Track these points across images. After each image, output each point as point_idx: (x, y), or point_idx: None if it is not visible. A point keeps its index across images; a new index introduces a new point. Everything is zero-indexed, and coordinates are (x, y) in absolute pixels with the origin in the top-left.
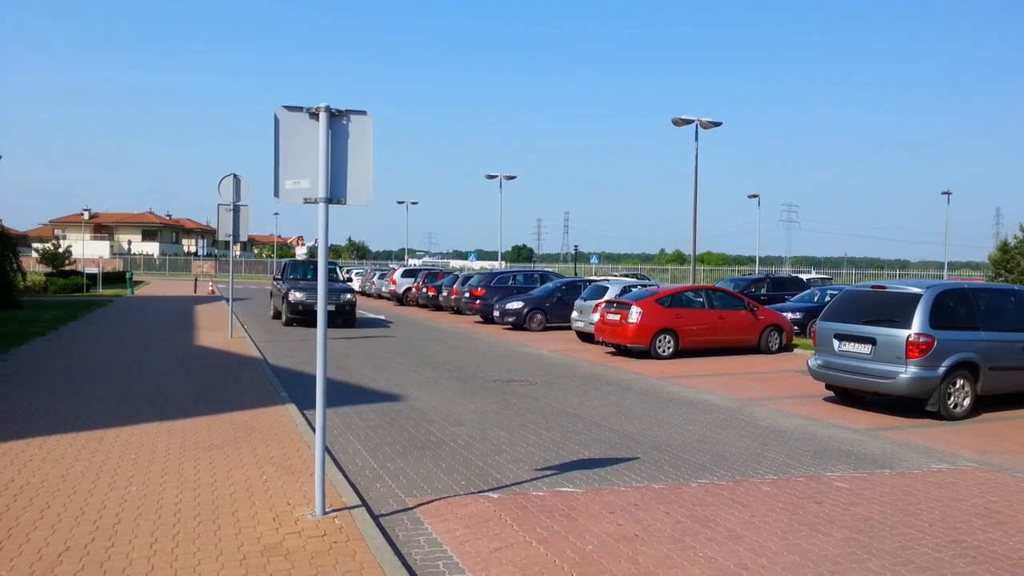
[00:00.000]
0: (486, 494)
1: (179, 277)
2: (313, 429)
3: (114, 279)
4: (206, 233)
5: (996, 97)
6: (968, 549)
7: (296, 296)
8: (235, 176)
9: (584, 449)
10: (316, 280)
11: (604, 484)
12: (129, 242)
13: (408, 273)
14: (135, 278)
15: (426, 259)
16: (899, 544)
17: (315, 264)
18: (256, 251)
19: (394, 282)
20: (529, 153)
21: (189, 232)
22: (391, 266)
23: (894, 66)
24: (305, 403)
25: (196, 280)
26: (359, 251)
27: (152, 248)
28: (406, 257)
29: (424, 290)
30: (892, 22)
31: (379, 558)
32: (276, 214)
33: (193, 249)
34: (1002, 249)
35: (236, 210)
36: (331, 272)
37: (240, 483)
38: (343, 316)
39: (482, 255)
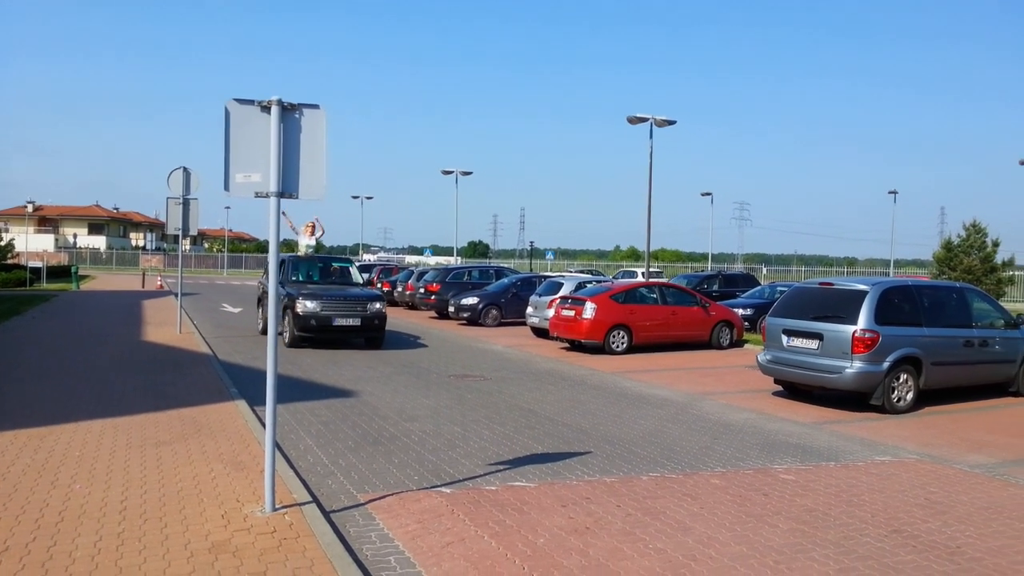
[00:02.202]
0: (439, 489)
1: (127, 271)
2: (264, 425)
3: (59, 273)
4: (155, 227)
5: (940, 97)
6: (909, 539)
7: (308, 307)
8: (185, 169)
9: (537, 444)
10: (336, 284)
11: (557, 478)
12: (75, 235)
13: (363, 269)
14: (81, 272)
15: (381, 254)
16: (843, 534)
17: (330, 262)
18: (207, 245)
19: None
20: (485, 149)
21: (137, 226)
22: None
23: (844, 66)
24: (255, 399)
25: (144, 275)
26: (313, 246)
27: (99, 242)
28: (360, 252)
29: (379, 285)
30: (843, 20)
31: (329, 554)
32: (227, 208)
33: (141, 243)
34: (946, 247)
35: (186, 204)
36: (344, 271)
37: (188, 480)
38: (370, 333)
39: (437, 250)
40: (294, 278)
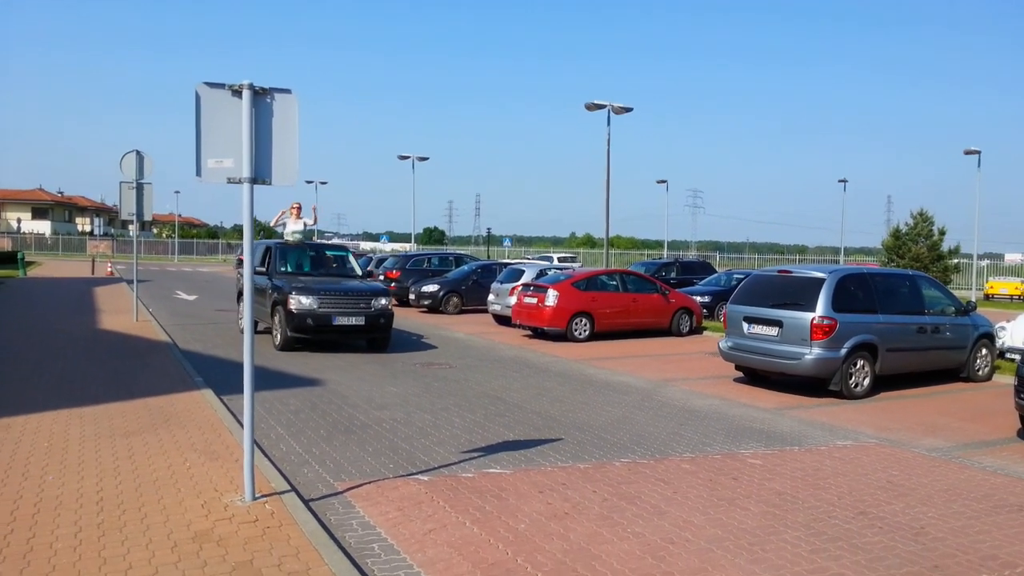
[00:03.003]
0: (416, 477)
1: (74, 258)
2: (232, 414)
3: (3, 260)
4: (102, 211)
5: (888, 85)
6: (875, 520)
7: (303, 304)
8: (138, 152)
9: (508, 431)
10: (332, 276)
11: (531, 465)
12: (19, 220)
13: None
14: (26, 259)
15: (335, 240)
16: (812, 516)
17: (323, 250)
18: (155, 231)
19: None
20: (440, 135)
21: (83, 210)
22: None
23: (793, 54)
24: (220, 388)
25: (94, 261)
26: (265, 231)
27: (43, 227)
28: (314, 238)
29: None
30: (793, 6)
31: (314, 542)
32: (177, 192)
33: (88, 228)
34: (894, 236)
35: (140, 188)
36: (341, 260)
37: (163, 470)
38: (375, 333)
39: (393, 237)
40: (283, 269)
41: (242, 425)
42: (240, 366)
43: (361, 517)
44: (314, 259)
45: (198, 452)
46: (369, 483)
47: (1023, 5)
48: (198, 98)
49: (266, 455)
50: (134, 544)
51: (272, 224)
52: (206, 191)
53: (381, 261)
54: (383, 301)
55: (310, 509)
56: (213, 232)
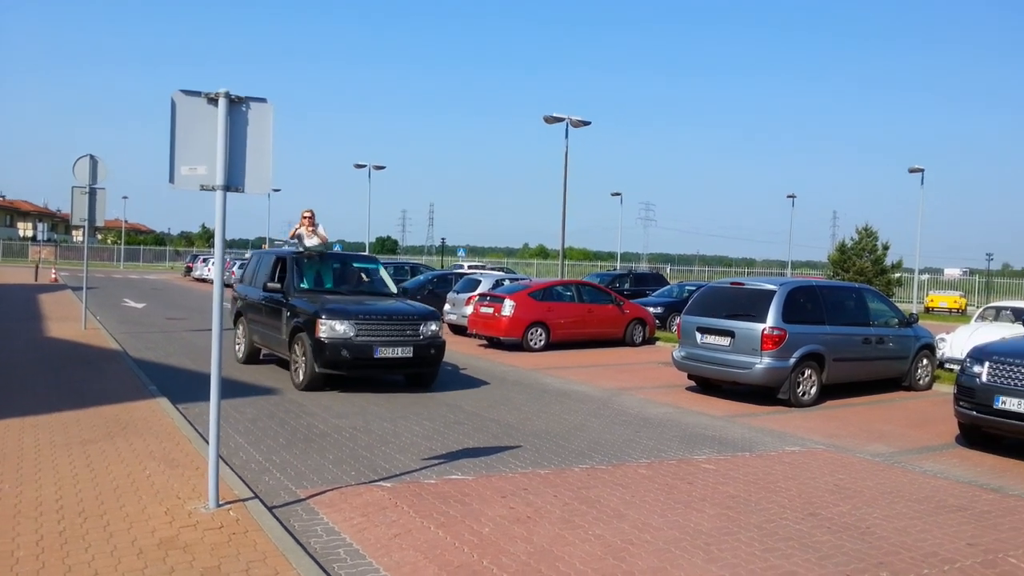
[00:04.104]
0: (378, 484)
1: (15, 263)
2: (190, 423)
3: None
4: (44, 216)
5: (835, 101)
6: (824, 521)
7: (337, 330)
8: (92, 157)
9: (468, 439)
10: (362, 294)
11: (492, 471)
12: None
13: None
14: None
15: (285, 248)
16: (765, 518)
17: (349, 262)
18: (100, 237)
19: None
20: (393, 144)
21: (25, 215)
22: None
23: (743, 68)
24: (176, 396)
25: (37, 267)
26: (321, 245)
27: None
28: (265, 246)
29: None
30: (744, 20)
31: (281, 547)
32: (125, 198)
33: (30, 233)
34: (840, 250)
35: (92, 193)
36: (371, 274)
37: (123, 478)
38: (424, 368)
39: (346, 246)
40: (303, 284)
41: (200, 433)
42: (194, 374)
43: (325, 523)
44: (339, 273)
45: (157, 460)
46: (332, 490)
47: (966, 27)
48: (174, 105)
49: (227, 463)
50: (98, 552)
51: (288, 238)
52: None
53: None
54: (433, 327)
55: (275, 516)
56: (160, 239)
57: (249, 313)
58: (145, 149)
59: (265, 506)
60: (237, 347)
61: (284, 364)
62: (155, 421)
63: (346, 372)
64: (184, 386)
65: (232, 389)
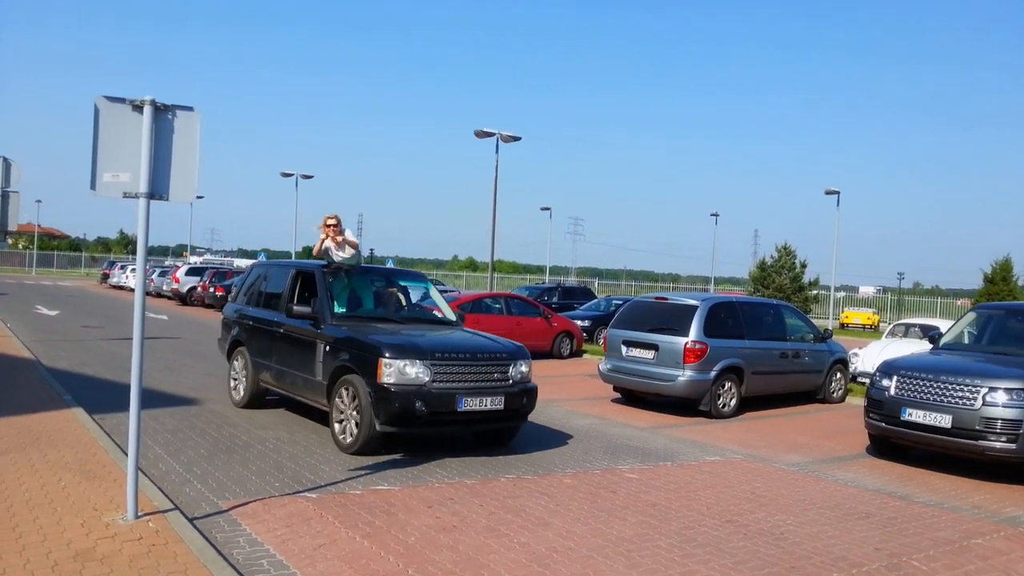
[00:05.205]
0: (303, 494)
1: None
2: (107, 433)
3: None
4: None
5: (757, 123)
6: (740, 527)
7: (407, 374)
8: (4, 159)
9: (394, 450)
10: (416, 321)
11: (419, 481)
12: None
13: (193, 271)
14: None
15: (207, 256)
16: (684, 525)
17: (393, 280)
18: (10, 241)
19: (177, 280)
20: (322, 152)
21: None
22: (173, 263)
23: (670, 86)
24: (92, 406)
25: None
26: (134, 245)
27: None
28: (186, 254)
29: (211, 290)
30: (671, 36)
31: (202, 558)
32: (39, 202)
33: None
34: (760, 267)
35: (5, 196)
36: (422, 296)
37: (36, 490)
38: (513, 422)
39: (271, 254)
40: (339, 310)
41: (118, 444)
42: (112, 384)
43: (248, 534)
44: (382, 294)
45: (73, 471)
46: (255, 501)
47: (888, 52)
48: (97, 111)
49: (145, 474)
50: (10, 564)
51: (315, 254)
52: (70, 202)
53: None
54: (523, 368)
55: (195, 527)
56: (76, 244)
57: (256, 343)
58: (61, 153)
59: (186, 517)
60: (233, 387)
61: (297, 406)
62: (70, 432)
63: (417, 429)
64: (101, 396)
65: (152, 399)
